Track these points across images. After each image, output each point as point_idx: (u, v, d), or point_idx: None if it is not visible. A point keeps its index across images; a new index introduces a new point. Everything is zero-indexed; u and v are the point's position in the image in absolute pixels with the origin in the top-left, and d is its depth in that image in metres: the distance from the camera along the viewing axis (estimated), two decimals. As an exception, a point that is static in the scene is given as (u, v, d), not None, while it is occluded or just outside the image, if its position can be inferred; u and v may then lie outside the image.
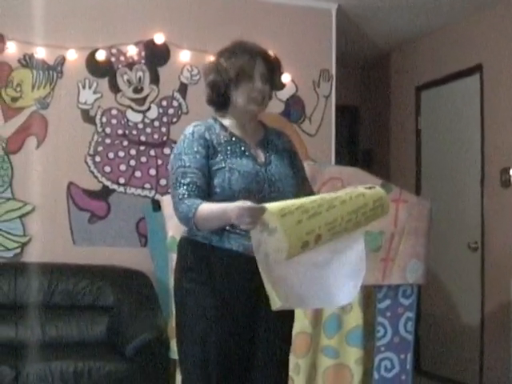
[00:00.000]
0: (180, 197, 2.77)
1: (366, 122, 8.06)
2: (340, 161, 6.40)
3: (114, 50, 5.55)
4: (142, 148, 5.58)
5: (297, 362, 4.61)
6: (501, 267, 5.76)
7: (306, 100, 6.04)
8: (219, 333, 2.82)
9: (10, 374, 4.26)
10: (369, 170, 5.30)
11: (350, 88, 7.67)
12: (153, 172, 5.59)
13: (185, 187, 2.78)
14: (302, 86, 6.01)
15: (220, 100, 2.96)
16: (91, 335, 4.98)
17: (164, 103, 5.66)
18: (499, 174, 5.79)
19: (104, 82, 5.54)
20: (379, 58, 7.63)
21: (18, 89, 5.35)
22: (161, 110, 5.64)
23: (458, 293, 6.35)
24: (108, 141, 5.52)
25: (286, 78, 5.79)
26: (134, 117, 5.59)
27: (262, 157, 2.96)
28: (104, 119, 5.52)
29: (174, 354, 4.48)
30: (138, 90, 5.60)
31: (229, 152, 2.89)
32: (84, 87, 5.49)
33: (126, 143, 5.55)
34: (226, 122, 2.99)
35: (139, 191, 5.56)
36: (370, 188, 2.85)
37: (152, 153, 5.60)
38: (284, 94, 5.86)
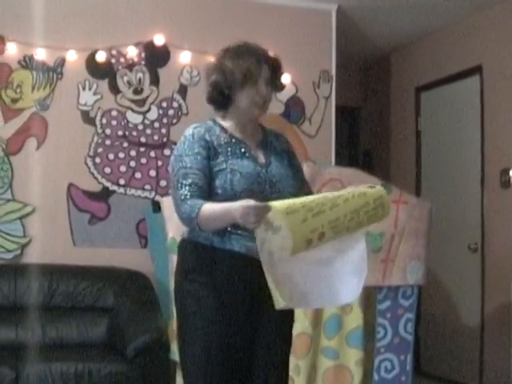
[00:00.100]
0: (182, 197, 2.77)
1: (366, 123, 8.06)
2: (340, 162, 6.41)
3: (113, 52, 5.55)
4: (142, 149, 5.58)
5: (297, 363, 4.62)
6: (501, 268, 5.76)
7: (305, 101, 6.05)
8: (221, 334, 2.82)
9: (10, 375, 4.26)
10: (369, 171, 5.31)
11: (350, 89, 7.67)
12: (153, 173, 5.59)
13: (187, 188, 2.78)
14: (302, 86, 6.01)
15: (221, 100, 2.95)
16: (91, 336, 4.98)
17: (164, 104, 5.66)
18: (499, 175, 5.79)
19: (104, 84, 5.54)
20: (379, 58, 7.63)
21: (18, 90, 5.35)
22: (161, 111, 5.65)
23: (458, 294, 6.35)
24: (108, 142, 5.52)
25: (285, 78, 5.76)
26: (134, 118, 5.59)
27: (262, 158, 2.97)
28: (104, 120, 5.52)
29: (174, 355, 4.48)
30: (137, 92, 5.60)
31: (229, 153, 2.89)
32: (84, 88, 5.50)
33: (126, 144, 5.55)
34: (226, 123, 2.99)
35: (139, 192, 5.56)
36: (370, 187, 2.86)
37: (152, 154, 5.60)
38: (284, 95, 5.85)
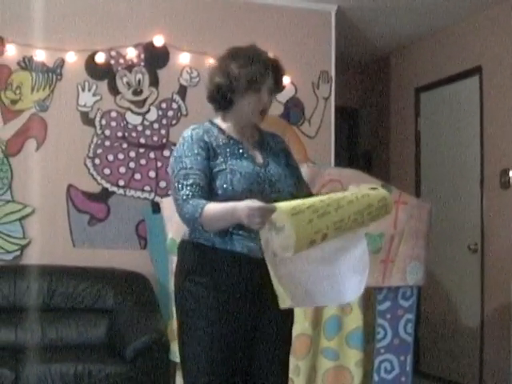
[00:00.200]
0: (184, 197, 2.76)
1: (366, 124, 8.06)
2: (340, 163, 6.40)
3: (113, 53, 5.55)
4: (141, 150, 5.58)
5: (297, 364, 4.62)
6: (501, 269, 5.76)
7: (305, 102, 6.04)
8: (222, 334, 2.83)
9: (10, 377, 4.25)
10: (368, 171, 5.32)
11: (349, 90, 7.67)
12: (152, 174, 5.59)
13: (188, 188, 2.78)
14: (302, 87, 6.01)
15: (223, 102, 2.95)
16: (91, 338, 4.97)
17: (163, 105, 5.66)
18: (499, 176, 5.79)
19: (103, 85, 5.54)
20: (379, 59, 7.63)
21: (18, 91, 5.35)
22: (160, 113, 5.64)
23: (457, 294, 6.35)
24: (107, 143, 5.52)
25: (285, 79, 5.77)
26: (134, 119, 5.59)
27: (259, 158, 2.98)
28: (103, 121, 5.52)
29: (174, 356, 4.48)
30: (137, 93, 5.60)
31: (228, 154, 2.90)
32: (83, 89, 5.49)
33: (125, 145, 5.55)
34: (224, 124, 3.00)
35: (139, 193, 5.56)
36: (373, 189, 2.86)
37: (151, 155, 5.60)
38: (283, 96, 5.84)
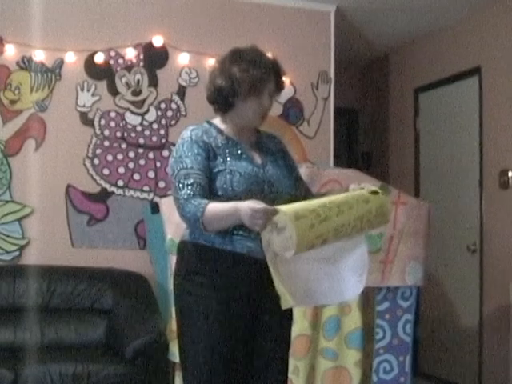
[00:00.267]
0: (185, 197, 2.76)
1: (365, 124, 8.06)
2: (339, 163, 6.42)
3: (112, 53, 5.54)
4: (140, 150, 5.58)
5: (296, 364, 4.61)
6: (500, 269, 5.76)
7: (304, 102, 6.05)
8: (223, 335, 2.83)
9: (9, 377, 4.25)
10: (368, 172, 5.32)
11: (348, 90, 7.66)
12: (151, 174, 5.59)
13: (189, 187, 2.77)
14: (301, 88, 6.01)
15: (223, 105, 2.95)
16: (90, 338, 4.97)
17: (162, 106, 5.66)
18: (498, 176, 5.79)
19: (102, 85, 5.53)
20: (378, 59, 7.64)
21: (17, 91, 5.35)
22: (159, 113, 5.64)
23: (456, 295, 6.35)
24: (106, 143, 5.51)
25: (284, 80, 5.78)
26: (133, 119, 5.59)
27: (258, 159, 2.98)
28: (102, 122, 5.52)
29: (173, 356, 4.48)
30: (136, 93, 5.60)
31: (227, 155, 2.90)
32: (82, 90, 5.49)
33: (124, 146, 5.55)
34: (222, 125, 3.00)
35: (138, 193, 5.56)
36: (374, 193, 2.85)
37: (151, 155, 5.60)
38: (282, 97, 5.83)
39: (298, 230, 2.48)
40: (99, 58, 5.50)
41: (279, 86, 3.01)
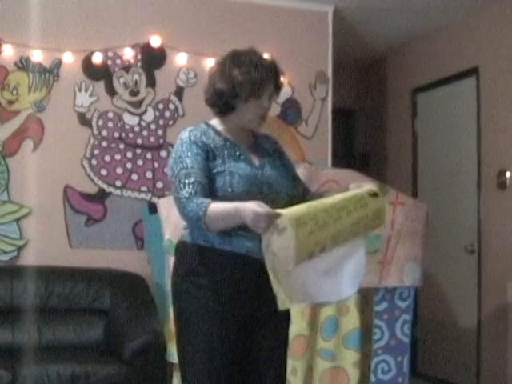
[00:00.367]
0: (187, 195, 2.75)
1: (363, 125, 8.06)
2: (337, 163, 6.40)
3: (110, 53, 5.54)
4: (138, 151, 5.58)
5: (294, 365, 4.61)
6: (498, 269, 5.76)
7: (302, 103, 6.04)
8: (222, 335, 2.82)
9: (7, 378, 4.24)
10: (365, 172, 5.31)
11: (346, 90, 7.66)
12: (149, 175, 5.58)
13: (190, 186, 2.76)
14: (299, 88, 6.00)
15: (224, 108, 2.95)
16: (88, 338, 4.97)
17: (160, 106, 5.65)
18: (496, 176, 5.80)
19: (100, 85, 5.53)
20: (375, 60, 7.64)
21: (15, 92, 5.34)
22: (157, 113, 5.64)
23: (454, 295, 6.36)
24: (104, 144, 5.51)
25: (282, 81, 5.78)
26: (131, 120, 5.58)
27: (256, 160, 2.98)
28: (100, 122, 5.51)
29: (171, 356, 4.48)
30: (134, 93, 5.60)
31: (226, 156, 2.90)
32: (80, 90, 5.49)
33: (122, 146, 5.55)
34: (219, 126, 3.00)
35: (136, 194, 5.55)
36: (373, 195, 2.84)
37: (148, 156, 5.59)
38: (280, 97, 5.74)
39: (298, 237, 2.48)
40: (97, 59, 5.49)
41: (278, 87, 3.01)
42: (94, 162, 5.48)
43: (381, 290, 4.80)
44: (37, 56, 5.36)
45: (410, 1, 5.86)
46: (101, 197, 5.50)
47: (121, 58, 5.57)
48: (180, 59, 5.69)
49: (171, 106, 5.68)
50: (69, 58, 5.44)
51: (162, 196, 5.32)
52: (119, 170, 5.52)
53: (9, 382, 4.24)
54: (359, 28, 6.60)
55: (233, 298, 2.84)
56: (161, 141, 5.63)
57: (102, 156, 5.50)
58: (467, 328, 6.11)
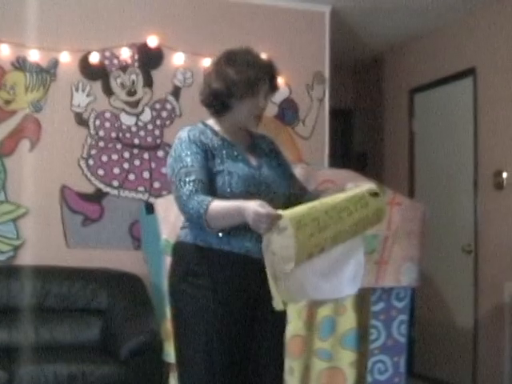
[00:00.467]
0: (188, 193, 2.74)
1: (360, 125, 8.07)
2: (334, 163, 6.40)
3: (107, 53, 5.54)
4: (135, 151, 5.57)
5: (290, 365, 4.61)
6: (494, 270, 5.76)
7: (299, 103, 6.05)
8: (220, 335, 2.82)
9: (3, 377, 4.24)
10: (363, 172, 5.31)
11: (343, 91, 7.67)
12: (146, 175, 5.58)
13: (191, 184, 2.76)
14: (296, 88, 6.01)
15: (220, 107, 2.95)
16: (85, 338, 4.97)
17: (157, 106, 5.65)
18: (492, 177, 5.80)
19: (97, 85, 5.53)
20: (373, 60, 7.64)
21: (12, 91, 5.34)
22: (154, 113, 5.64)
23: (451, 295, 6.36)
24: (101, 144, 5.51)
25: (279, 81, 5.78)
26: (128, 120, 5.58)
27: (253, 160, 2.99)
28: (97, 122, 5.51)
29: (168, 356, 4.48)
30: (131, 93, 5.60)
31: (224, 156, 2.90)
32: (77, 90, 5.49)
33: (119, 146, 5.54)
34: (217, 126, 3.00)
35: (133, 194, 5.55)
36: (373, 195, 2.84)
37: (145, 156, 5.59)
38: (278, 97, 5.83)
39: (298, 240, 2.49)
40: (94, 58, 5.49)
41: (274, 87, 3.01)
42: (91, 162, 5.48)
43: (377, 290, 4.80)
44: (34, 56, 5.36)
45: (407, 1, 5.87)
46: (98, 197, 5.49)
47: (118, 57, 5.57)
48: (177, 59, 5.69)
49: (168, 106, 5.68)
50: (66, 58, 5.44)
51: (159, 196, 5.32)
52: (116, 170, 5.52)
53: (5, 381, 4.24)
54: (356, 28, 6.60)
55: (232, 298, 2.84)
56: (158, 141, 5.63)
57: (99, 156, 5.50)
58: (464, 328, 6.12)
